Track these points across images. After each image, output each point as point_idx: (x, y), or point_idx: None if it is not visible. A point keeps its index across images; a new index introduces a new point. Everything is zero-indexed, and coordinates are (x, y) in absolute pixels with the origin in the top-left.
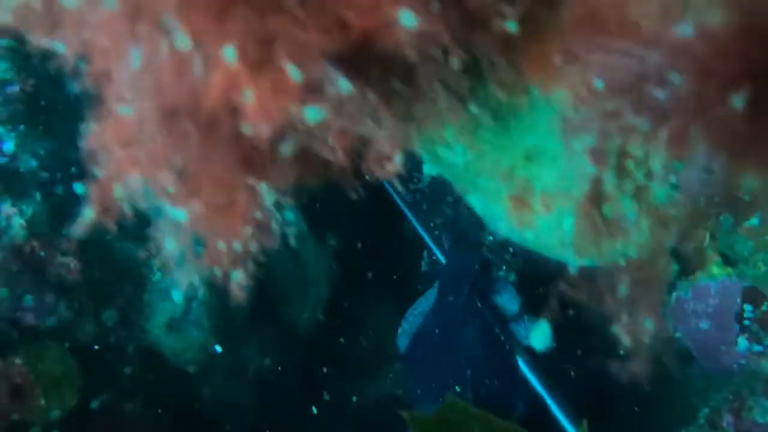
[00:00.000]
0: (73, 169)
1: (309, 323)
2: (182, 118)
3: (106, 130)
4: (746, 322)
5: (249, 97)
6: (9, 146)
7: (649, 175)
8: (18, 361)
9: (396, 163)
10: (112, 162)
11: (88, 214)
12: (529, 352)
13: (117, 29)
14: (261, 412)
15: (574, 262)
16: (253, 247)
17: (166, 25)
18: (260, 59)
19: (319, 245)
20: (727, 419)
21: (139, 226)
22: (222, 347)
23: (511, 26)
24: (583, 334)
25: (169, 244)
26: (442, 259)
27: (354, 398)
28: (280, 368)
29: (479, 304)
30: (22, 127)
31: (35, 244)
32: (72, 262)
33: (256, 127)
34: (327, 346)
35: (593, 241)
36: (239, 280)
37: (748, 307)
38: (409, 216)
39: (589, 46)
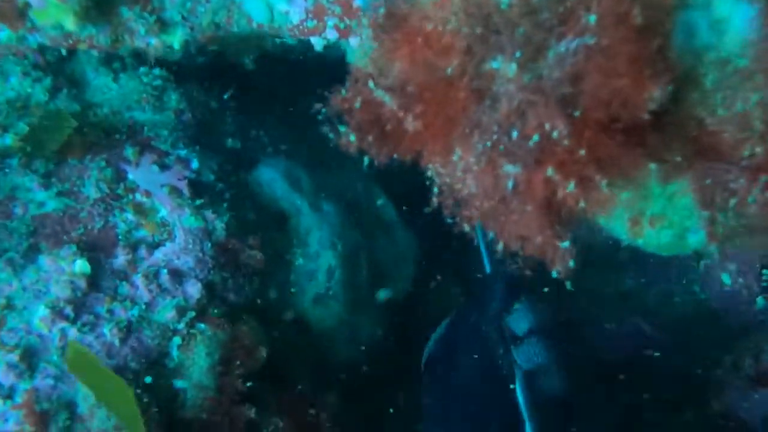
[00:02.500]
0: (232, 179)
1: (402, 294)
2: None
3: None
4: (764, 284)
5: None
6: (195, 164)
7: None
8: (245, 327)
9: None
10: None
11: None
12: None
13: None
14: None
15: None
16: None
17: None
18: None
19: (405, 228)
20: (749, 362)
21: (280, 220)
22: (349, 316)
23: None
24: None
25: (312, 238)
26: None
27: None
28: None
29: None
30: (197, 147)
31: (233, 241)
32: (258, 255)
33: None
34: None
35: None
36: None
37: (765, 272)
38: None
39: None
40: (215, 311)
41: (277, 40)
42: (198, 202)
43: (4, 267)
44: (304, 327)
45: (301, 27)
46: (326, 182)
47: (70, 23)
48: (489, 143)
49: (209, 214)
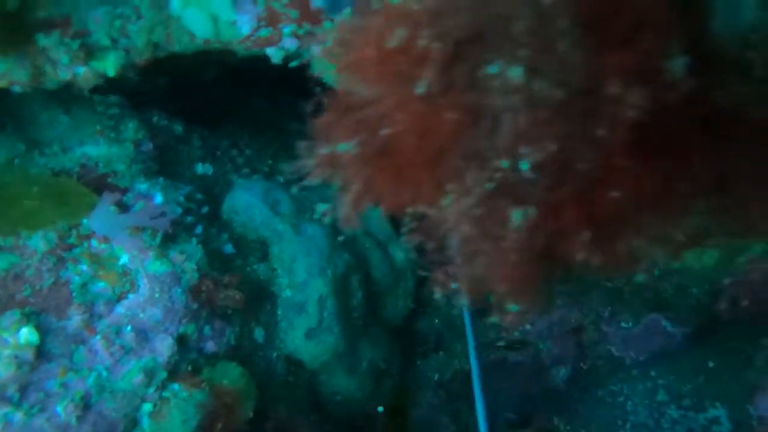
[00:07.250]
0: (204, 209)
1: (404, 312)
2: None
3: None
4: None
5: None
6: (158, 199)
7: None
8: (226, 382)
9: None
10: None
11: None
12: None
13: None
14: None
15: None
16: None
17: None
18: None
19: (401, 241)
20: None
21: (261, 249)
22: (346, 347)
23: None
24: None
25: (298, 266)
26: None
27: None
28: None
29: None
30: (161, 179)
31: (207, 282)
32: (237, 294)
33: None
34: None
35: None
36: None
37: None
38: None
39: None
40: (189, 368)
41: (241, 53)
42: (161, 241)
43: None
44: (297, 366)
45: (253, 38)
46: (309, 200)
47: None
48: (490, 180)
49: (177, 255)
